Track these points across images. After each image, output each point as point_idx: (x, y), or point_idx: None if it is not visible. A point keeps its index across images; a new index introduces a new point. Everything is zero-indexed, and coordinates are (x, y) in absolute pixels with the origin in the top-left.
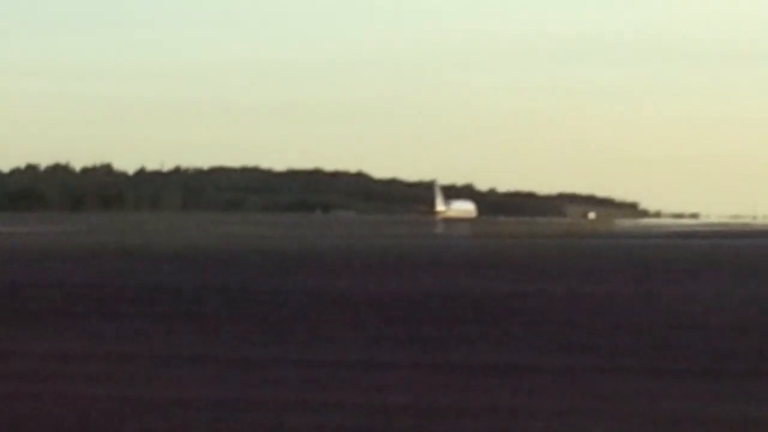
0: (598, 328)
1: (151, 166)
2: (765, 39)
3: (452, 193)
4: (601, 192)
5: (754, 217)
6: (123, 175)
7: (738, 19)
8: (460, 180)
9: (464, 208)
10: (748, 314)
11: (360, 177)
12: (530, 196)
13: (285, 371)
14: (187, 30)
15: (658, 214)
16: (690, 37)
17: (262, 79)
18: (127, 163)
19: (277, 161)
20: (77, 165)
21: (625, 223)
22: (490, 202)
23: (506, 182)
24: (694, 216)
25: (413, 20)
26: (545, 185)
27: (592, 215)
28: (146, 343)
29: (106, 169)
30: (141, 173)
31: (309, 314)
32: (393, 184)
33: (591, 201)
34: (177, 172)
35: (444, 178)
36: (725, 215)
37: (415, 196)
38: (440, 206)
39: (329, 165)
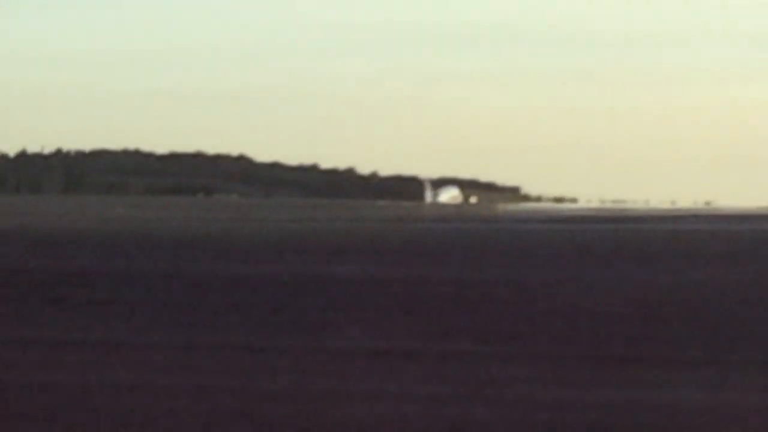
0: (476, 314)
1: (33, 148)
2: (645, 26)
3: (337, 176)
4: (483, 176)
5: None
6: (4, 158)
7: (616, 5)
8: (341, 164)
9: (451, 194)
10: (628, 299)
11: (242, 160)
12: (412, 180)
13: (165, 355)
14: (71, 13)
15: (539, 199)
16: (573, 25)
17: (143, 63)
18: (7, 145)
19: (159, 144)
20: None
21: (507, 207)
22: (372, 186)
23: (388, 166)
24: (574, 201)
25: (296, 4)
26: (427, 169)
27: (473, 199)
28: (18, 327)
29: None
30: (22, 156)
31: (190, 298)
32: (275, 167)
33: (473, 185)
34: (58, 154)
35: (325, 162)
36: (606, 200)
37: (295, 180)
38: (428, 198)
39: (211, 148)
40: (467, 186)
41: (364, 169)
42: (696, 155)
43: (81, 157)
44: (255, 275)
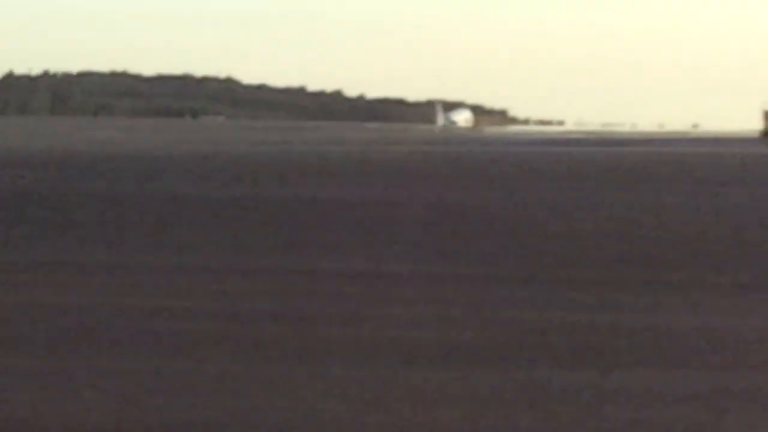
0: (460, 236)
1: (20, 70)
2: None
3: (324, 99)
4: (470, 99)
5: (631, 125)
6: None
7: None
8: (328, 86)
9: (463, 117)
10: (614, 222)
11: (229, 82)
12: (399, 103)
13: (150, 277)
14: None
15: (526, 121)
16: None
17: None
18: None
19: (146, 66)
20: None
21: (494, 129)
22: (359, 108)
23: (375, 88)
24: (561, 123)
25: None
26: (414, 91)
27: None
28: (9, 249)
29: None
30: (9, 77)
31: (177, 219)
32: (262, 89)
33: (460, 108)
34: (45, 76)
35: (312, 84)
36: (593, 123)
37: (282, 102)
38: (440, 120)
39: (198, 70)
40: (454, 109)
41: (351, 91)
42: (683, 78)
43: (68, 78)
44: (241, 197)
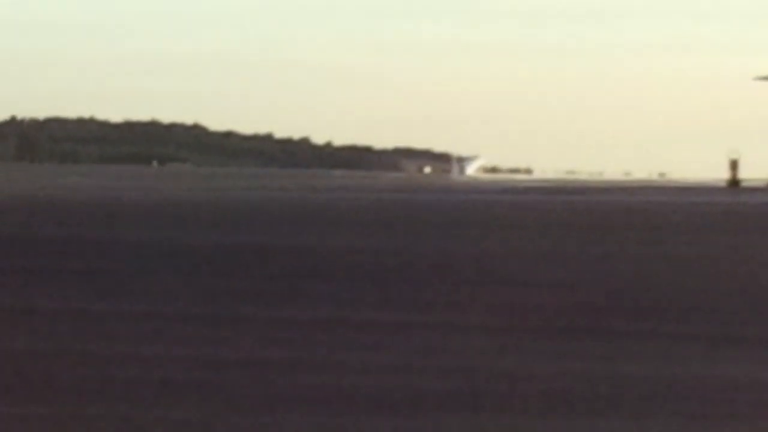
0: (430, 284)
1: None
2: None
3: (291, 146)
4: (437, 147)
5: (598, 174)
6: None
7: None
8: (296, 133)
9: (480, 162)
10: (581, 271)
11: (196, 129)
12: (367, 150)
13: (117, 323)
14: None
15: (494, 170)
16: None
17: (98, 30)
18: None
19: (114, 112)
20: None
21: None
22: (327, 156)
23: (343, 136)
24: (529, 171)
25: None
26: (382, 139)
27: (427, 170)
28: None
29: None
30: None
31: (145, 267)
32: (230, 136)
33: (427, 155)
34: (12, 122)
35: (280, 131)
36: (560, 170)
37: (250, 149)
38: (455, 172)
39: (166, 117)
40: (422, 156)
41: (318, 138)
42: (650, 126)
43: (35, 124)
44: (209, 244)
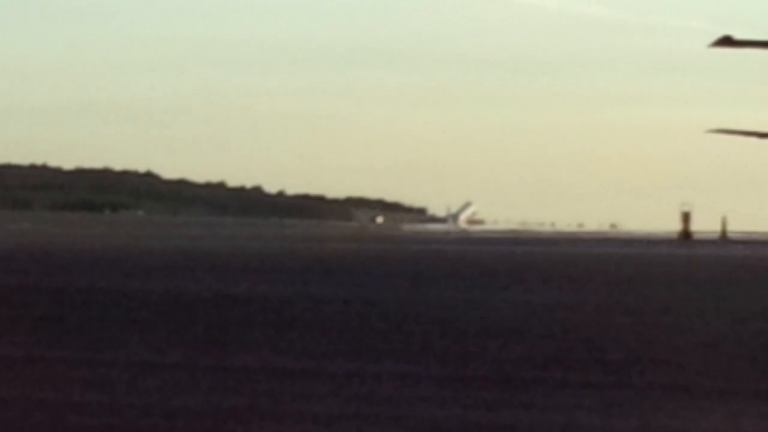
0: (377, 334)
1: None
2: (546, 49)
3: (244, 194)
4: (389, 197)
5: (550, 224)
6: None
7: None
8: (248, 182)
9: (472, 210)
10: (531, 321)
11: (149, 176)
12: (319, 200)
13: (66, 371)
14: None
15: (445, 220)
16: (474, 46)
17: (51, 77)
18: None
19: (66, 159)
20: None
21: (413, 227)
22: (279, 205)
23: (295, 185)
24: (481, 222)
25: (197, 22)
26: (334, 189)
27: (380, 219)
28: None
29: None
30: None
31: (92, 314)
32: (182, 184)
33: (379, 205)
34: None
35: (232, 180)
36: (512, 221)
37: (202, 197)
38: (451, 224)
39: (118, 164)
40: (374, 206)
41: (271, 187)
42: (602, 178)
43: None
44: (158, 292)
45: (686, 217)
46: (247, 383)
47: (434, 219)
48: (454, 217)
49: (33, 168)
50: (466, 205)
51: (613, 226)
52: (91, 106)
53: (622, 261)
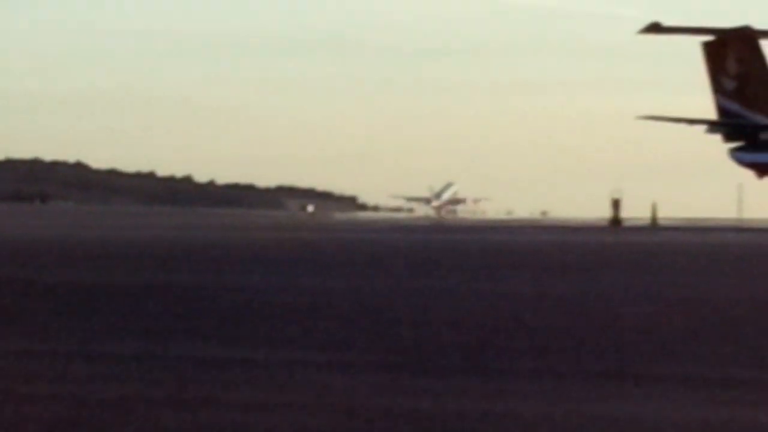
0: (312, 322)
1: None
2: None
3: (174, 184)
4: (320, 185)
5: (480, 213)
6: None
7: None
8: (178, 171)
9: (454, 190)
10: (460, 309)
11: (79, 167)
12: (250, 189)
13: (7, 363)
14: None
15: (376, 208)
16: (408, 35)
17: None
18: None
19: None
20: None
21: (344, 216)
22: (209, 194)
23: (225, 174)
24: (411, 210)
25: (127, 14)
26: (265, 178)
27: (311, 208)
28: None
29: None
30: None
31: (30, 305)
32: (112, 174)
33: (310, 194)
34: None
35: (162, 170)
36: (431, 213)
37: (132, 187)
38: (435, 202)
39: (48, 155)
40: (304, 195)
41: (201, 177)
42: (532, 165)
43: None
44: (91, 283)
45: (616, 204)
46: (180, 372)
47: (417, 198)
48: (437, 195)
49: None
50: (448, 185)
51: (543, 213)
52: (19, 96)
53: (552, 248)
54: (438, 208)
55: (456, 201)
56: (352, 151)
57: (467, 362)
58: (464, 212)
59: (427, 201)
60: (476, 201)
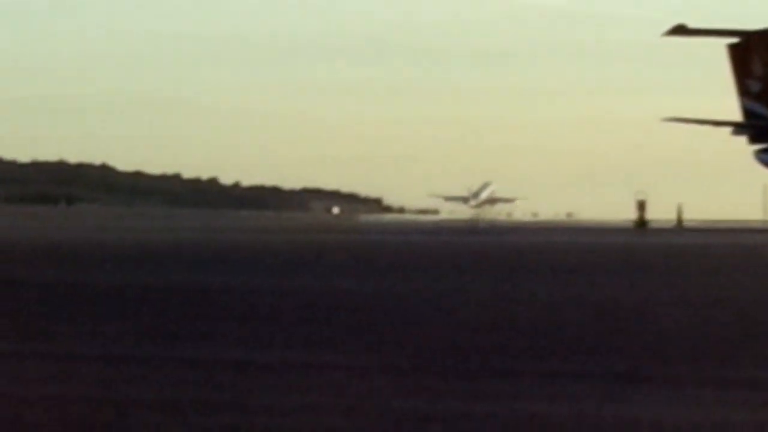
0: (337, 325)
1: None
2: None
3: (199, 186)
4: (345, 187)
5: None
6: None
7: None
8: (204, 173)
9: (492, 189)
10: (486, 312)
11: (104, 169)
12: (275, 191)
13: (26, 365)
14: None
15: (402, 210)
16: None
17: (5, 72)
18: None
19: (21, 152)
20: None
21: (369, 218)
22: (235, 196)
23: (251, 176)
24: (436, 212)
25: (156, 17)
26: (290, 180)
27: (336, 210)
28: None
29: None
30: None
31: (55, 307)
32: (138, 176)
33: (335, 196)
34: None
35: (188, 172)
36: (467, 211)
37: (158, 189)
38: (473, 201)
39: (73, 157)
40: (330, 197)
41: (226, 179)
42: (558, 167)
43: None
44: (116, 285)
45: (642, 206)
46: (206, 375)
47: (455, 198)
48: (475, 195)
49: None
50: (485, 184)
51: (569, 215)
52: (46, 99)
53: (577, 250)
54: (476, 207)
55: (493, 200)
56: (378, 152)
57: (487, 365)
58: (496, 213)
59: (465, 200)
60: (511, 201)
